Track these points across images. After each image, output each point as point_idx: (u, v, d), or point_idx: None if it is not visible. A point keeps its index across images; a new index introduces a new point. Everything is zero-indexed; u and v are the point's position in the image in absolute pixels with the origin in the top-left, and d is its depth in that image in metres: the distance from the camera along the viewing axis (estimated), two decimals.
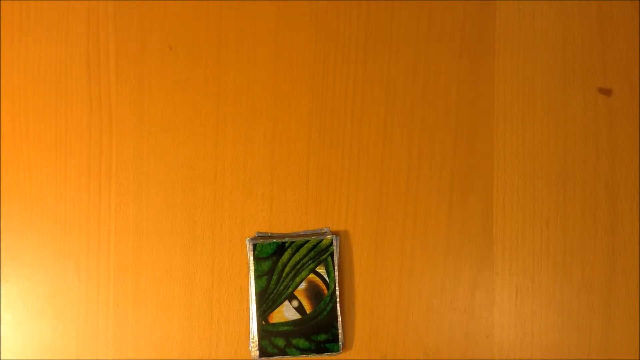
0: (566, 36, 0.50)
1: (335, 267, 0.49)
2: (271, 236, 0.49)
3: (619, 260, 0.49)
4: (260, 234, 0.50)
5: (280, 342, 0.48)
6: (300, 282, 0.49)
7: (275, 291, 0.49)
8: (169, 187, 0.51)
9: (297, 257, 0.49)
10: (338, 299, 0.48)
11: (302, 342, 0.49)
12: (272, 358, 0.48)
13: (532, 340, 0.49)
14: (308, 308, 0.48)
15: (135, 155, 0.51)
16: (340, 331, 0.48)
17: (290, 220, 0.50)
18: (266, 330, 0.48)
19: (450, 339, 0.49)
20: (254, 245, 0.49)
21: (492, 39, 0.50)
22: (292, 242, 0.49)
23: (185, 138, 0.51)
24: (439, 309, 0.49)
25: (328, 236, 0.49)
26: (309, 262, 0.49)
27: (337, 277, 0.49)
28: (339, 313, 0.48)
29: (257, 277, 0.49)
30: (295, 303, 0.49)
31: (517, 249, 0.49)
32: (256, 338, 0.48)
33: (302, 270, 0.49)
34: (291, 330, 0.49)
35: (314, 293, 0.49)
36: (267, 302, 0.49)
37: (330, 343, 0.48)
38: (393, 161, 0.50)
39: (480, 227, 0.49)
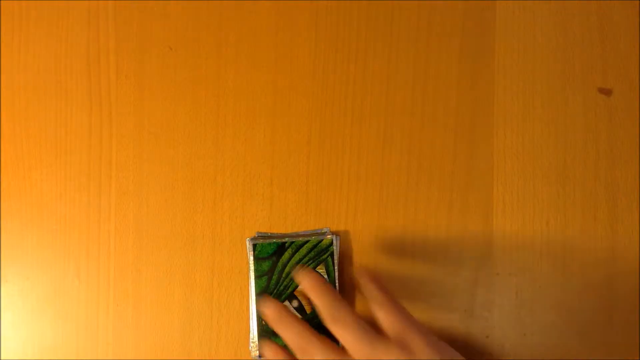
0: (566, 36, 0.50)
1: (335, 267, 0.49)
2: (271, 236, 0.49)
3: (619, 260, 0.49)
4: (260, 234, 0.50)
5: (280, 342, 0.48)
6: None
7: (275, 291, 0.49)
8: (169, 187, 0.51)
9: (297, 257, 0.49)
10: None
11: None
12: None
13: (532, 340, 0.49)
14: (308, 308, 0.48)
15: (135, 155, 0.51)
16: None
17: (290, 220, 0.50)
18: (266, 330, 0.48)
19: (450, 339, 0.49)
20: (254, 245, 0.49)
21: (492, 39, 0.50)
22: (292, 242, 0.49)
23: (185, 138, 0.51)
24: (439, 309, 0.49)
25: (328, 236, 0.49)
26: (309, 262, 0.49)
27: (337, 277, 0.48)
28: None
29: (257, 277, 0.49)
30: (295, 303, 0.49)
31: (517, 249, 0.49)
32: (256, 338, 0.48)
33: None
34: None
35: None
36: None
37: None
38: (393, 161, 0.50)
39: (480, 227, 0.49)
